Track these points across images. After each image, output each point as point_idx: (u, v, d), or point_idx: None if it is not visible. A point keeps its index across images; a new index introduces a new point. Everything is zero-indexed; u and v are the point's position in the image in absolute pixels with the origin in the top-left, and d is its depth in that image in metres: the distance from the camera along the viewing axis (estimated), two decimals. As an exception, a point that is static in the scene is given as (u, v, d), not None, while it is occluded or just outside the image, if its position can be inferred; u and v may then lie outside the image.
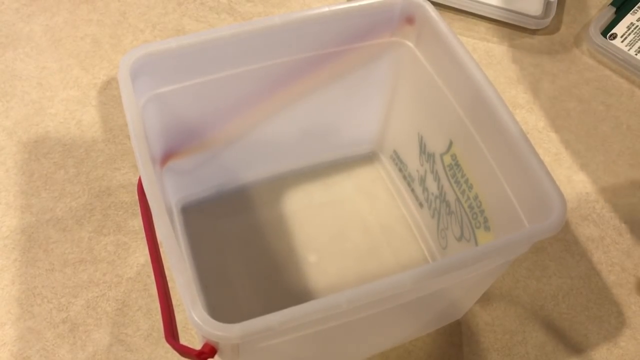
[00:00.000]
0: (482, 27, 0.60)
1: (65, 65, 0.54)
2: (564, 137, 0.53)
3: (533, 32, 0.60)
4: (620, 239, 0.48)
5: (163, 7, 0.59)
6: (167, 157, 0.41)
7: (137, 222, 0.46)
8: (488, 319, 0.44)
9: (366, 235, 0.46)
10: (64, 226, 0.45)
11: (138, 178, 0.34)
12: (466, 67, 0.36)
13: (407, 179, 0.46)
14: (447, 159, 0.40)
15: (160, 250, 0.33)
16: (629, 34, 0.59)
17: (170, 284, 0.32)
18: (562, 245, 0.47)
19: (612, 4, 0.61)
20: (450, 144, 0.40)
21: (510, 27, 0.60)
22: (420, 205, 0.45)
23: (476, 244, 0.39)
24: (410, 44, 0.41)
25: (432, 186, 0.43)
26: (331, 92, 0.43)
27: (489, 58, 0.58)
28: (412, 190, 0.46)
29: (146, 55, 0.35)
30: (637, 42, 0.58)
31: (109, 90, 0.53)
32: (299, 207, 0.47)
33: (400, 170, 0.47)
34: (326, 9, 0.38)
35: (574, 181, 0.51)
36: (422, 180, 0.44)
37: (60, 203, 0.46)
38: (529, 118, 0.54)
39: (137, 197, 0.41)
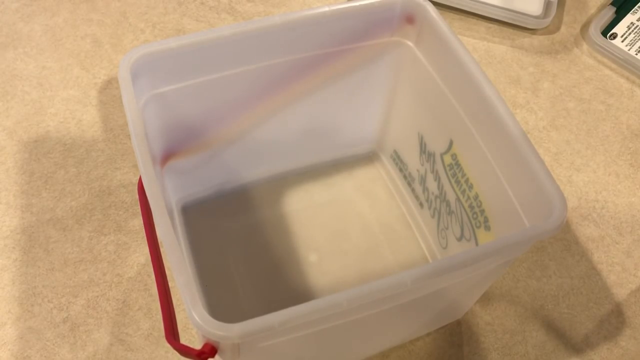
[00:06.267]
0: (482, 27, 0.60)
1: (66, 65, 0.54)
2: (564, 137, 0.53)
3: (533, 32, 0.60)
4: (620, 239, 0.48)
5: (163, 7, 0.59)
6: (167, 156, 0.41)
7: (138, 222, 0.46)
8: (488, 319, 0.44)
9: (366, 235, 0.46)
10: (64, 226, 0.45)
11: (138, 178, 0.34)
12: (466, 67, 0.36)
13: (407, 178, 0.46)
14: (448, 159, 0.40)
15: (161, 250, 0.33)
16: (629, 34, 0.59)
17: (170, 284, 0.32)
18: (562, 245, 0.47)
19: (612, 3, 0.61)
20: (451, 143, 0.40)
21: (510, 27, 0.60)
22: (421, 205, 0.45)
23: (476, 243, 0.39)
24: (410, 44, 0.41)
25: (432, 186, 0.43)
26: (331, 92, 0.43)
27: (489, 58, 0.58)
28: (412, 190, 0.46)
29: (146, 55, 0.35)
30: (637, 42, 0.58)
31: (109, 90, 0.53)
32: (299, 207, 0.47)
33: (400, 170, 0.47)
34: (326, 8, 0.38)
35: (574, 181, 0.51)
36: (423, 180, 0.44)
37: (61, 203, 0.46)
38: (529, 118, 0.54)
39: (137, 196, 0.41)
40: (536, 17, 0.59)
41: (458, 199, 0.40)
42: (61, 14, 0.58)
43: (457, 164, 0.40)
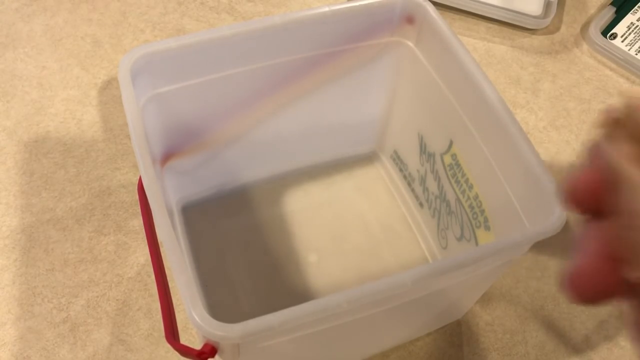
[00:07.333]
0: (482, 27, 0.60)
1: (66, 65, 0.54)
2: (564, 137, 0.53)
3: (533, 32, 0.60)
4: (620, 239, 0.48)
5: (163, 6, 0.59)
6: (167, 156, 0.41)
7: (138, 222, 0.46)
8: (488, 319, 0.44)
9: (366, 235, 0.46)
10: (64, 226, 0.45)
11: (138, 178, 0.34)
12: (466, 67, 0.36)
13: (408, 178, 0.46)
14: (448, 159, 0.40)
15: (161, 250, 0.33)
16: (629, 34, 0.59)
17: (170, 284, 0.32)
18: (563, 245, 0.47)
19: (612, 3, 0.61)
20: (451, 143, 0.40)
21: (510, 27, 0.60)
22: (421, 205, 0.45)
23: (476, 243, 0.39)
24: (410, 44, 0.41)
25: (432, 186, 0.43)
26: (331, 91, 0.43)
27: (489, 58, 0.58)
28: (412, 190, 0.46)
29: (146, 55, 0.35)
30: (637, 42, 0.58)
31: (109, 90, 0.53)
32: (299, 207, 0.47)
33: (400, 170, 0.47)
34: (326, 9, 0.38)
35: (574, 181, 0.51)
36: (423, 180, 0.44)
37: (61, 203, 0.46)
38: (529, 118, 0.54)
39: (137, 196, 0.41)
40: (536, 17, 0.59)
41: (458, 199, 0.40)
42: (61, 14, 0.58)
43: (457, 164, 0.40)
